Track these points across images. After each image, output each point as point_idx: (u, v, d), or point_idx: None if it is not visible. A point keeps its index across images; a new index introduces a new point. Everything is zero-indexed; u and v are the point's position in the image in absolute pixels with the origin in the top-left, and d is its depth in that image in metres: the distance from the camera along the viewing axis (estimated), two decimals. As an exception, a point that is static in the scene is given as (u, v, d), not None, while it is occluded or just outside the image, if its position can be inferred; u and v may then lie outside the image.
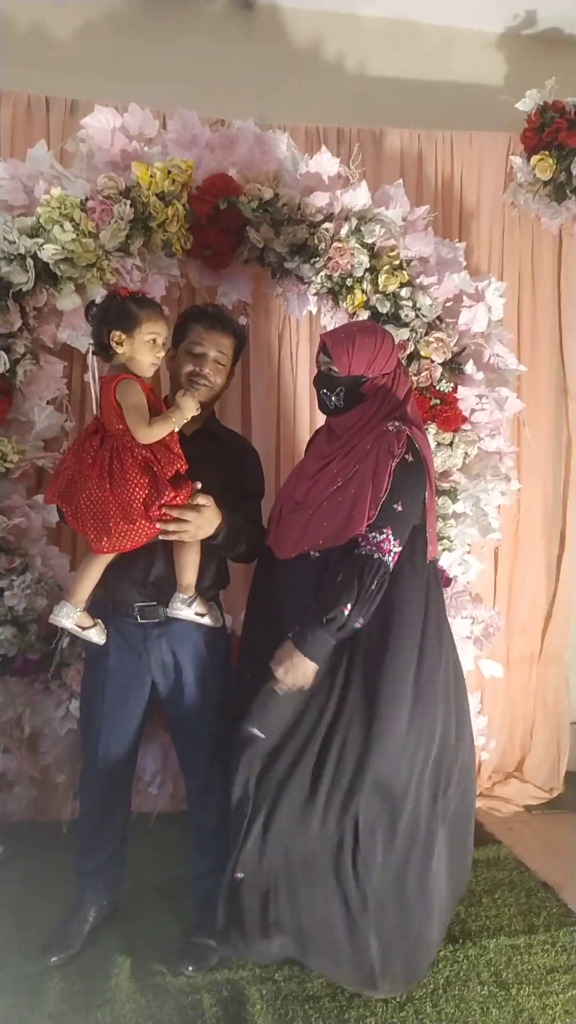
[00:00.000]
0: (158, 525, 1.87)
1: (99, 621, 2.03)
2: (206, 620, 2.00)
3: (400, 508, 1.89)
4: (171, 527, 1.88)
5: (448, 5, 2.94)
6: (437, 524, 2.59)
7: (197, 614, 1.98)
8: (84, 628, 2.00)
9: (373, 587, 1.85)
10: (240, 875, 1.89)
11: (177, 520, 1.88)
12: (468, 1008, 1.93)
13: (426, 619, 1.98)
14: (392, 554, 1.88)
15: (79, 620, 1.99)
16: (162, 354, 1.96)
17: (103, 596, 2.02)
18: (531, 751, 3.16)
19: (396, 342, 2.09)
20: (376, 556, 1.86)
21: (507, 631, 3.05)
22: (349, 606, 1.83)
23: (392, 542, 1.88)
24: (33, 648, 2.38)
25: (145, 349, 1.92)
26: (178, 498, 1.87)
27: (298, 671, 1.85)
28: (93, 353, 2.04)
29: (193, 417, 1.96)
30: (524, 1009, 1.93)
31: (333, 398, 2.02)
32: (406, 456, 1.92)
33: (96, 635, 2.02)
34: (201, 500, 1.92)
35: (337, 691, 1.91)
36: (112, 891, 2.18)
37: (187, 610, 1.97)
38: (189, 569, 1.97)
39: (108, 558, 1.98)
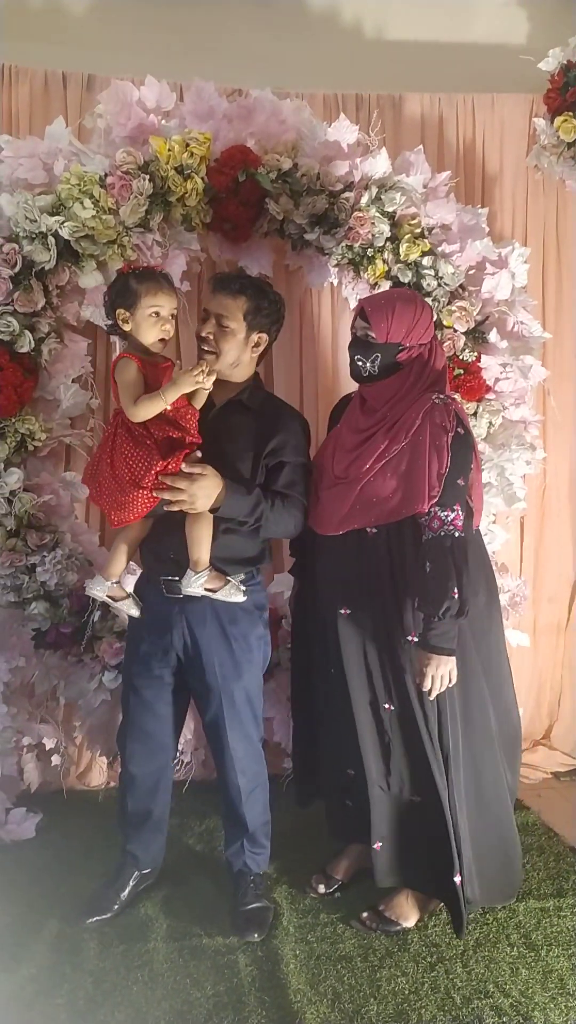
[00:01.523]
0: (155, 494, 1.88)
1: (132, 594, 2.07)
2: (220, 595, 1.96)
3: (462, 482, 1.94)
4: (166, 495, 1.88)
5: (467, -36, 2.87)
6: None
7: (207, 589, 1.95)
8: (116, 600, 2.05)
9: (466, 563, 1.91)
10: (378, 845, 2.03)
11: (171, 489, 1.88)
12: (498, 969, 1.96)
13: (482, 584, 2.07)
14: (463, 528, 1.93)
15: (111, 591, 2.04)
16: (168, 327, 1.93)
17: (144, 569, 2.08)
18: (559, 719, 3.17)
19: (432, 313, 2.08)
20: (456, 535, 1.92)
21: (534, 600, 3.04)
22: (456, 590, 1.88)
23: (462, 517, 1.93)
24: (65, 622, 2.43)
25: (148, 324, 1.91)
26: (170, 466, 1.88)
27: (441, 671, 1.90)
28: (110, 334, 2.04)
29: (223, 386, 1.96)
30: (553, 970, 1.95)
31: (368, 364, 2.02)
32: (458, 429, 1.94)
33: (129, 607, 2.06)
34: (196, 468, 1.89)
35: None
36: (152, 861, 2.21)
37: (195, 586, 1.94)
38: (197, 543, 1.95)
39: (132, 532, 2.02)
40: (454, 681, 1.93)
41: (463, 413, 2.02)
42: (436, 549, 1.91)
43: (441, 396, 1.99)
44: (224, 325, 2.01)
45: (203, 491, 1.89)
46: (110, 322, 1.98)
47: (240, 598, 1.98)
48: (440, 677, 1.91)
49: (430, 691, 1.92)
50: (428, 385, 2.02)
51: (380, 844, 2.05)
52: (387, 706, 2.02)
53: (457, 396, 2.53)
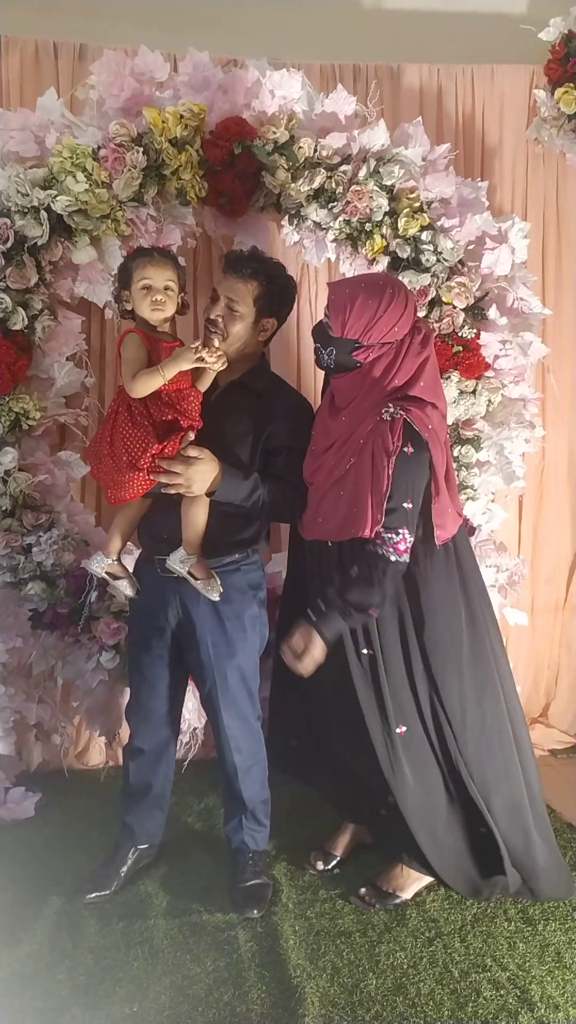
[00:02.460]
0: (151, 476, 1.89)
1: (130, 572, 2.07)
2: (199, 585, 1.96)
3: (410, 506, 1.84)
4: (162, 478, 1.89)
5: None
6: (462, 473, 2.57)
7: (191, 574, 1.95)
8: (115, 578, 2.05)
9: (387, 587, 1.85)
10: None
11: (168, 472, 1.88)
12: (496, 943, 1.98)
13: (458, 597, 1.98)
14: (408, 551, 1.85)
15: (109, 568, 2.05)
16: (157, 298, 1.91)
17: (141, 547, 2.08)
18: (556, 697, 3.18)
19: (408, 310, 1.90)
20: (393, 559, 1.83)
21: (532, 580, 3.04)
22: (373, 609, 1.85)
23: (408, 540, 1.85)
24: (62, 602, 2.42)
25: (139, 297, 1.93)
26: (166, 449, 1.88)
27: (314, 651, 1.85)
28: (123, 318, 2.05)
29: (228, 368, 1.95)
30: (550, 944, 1.97)
31: (325, 355, 1.94)
32: (404, 449, 1.82)
33: (125, 587, 2.06)
34: (192, 452, 1.89)
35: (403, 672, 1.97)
36: (150, 836, 2.23)
37: (179, 566, 1.95)
38: (190, 525, 1.96)
39: (131, 511, 2.02)
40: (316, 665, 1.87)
41: (420, 423, 1.84)
42: (367, 561, 1.83)
43: (391, 409, 1.84)
44: (234, 309, 2.00)
45: (199, 475, 1.89)
46: (121, 309, 2.00)
47: (215, 597, 1.98)
48: (312, 659, 1.85)
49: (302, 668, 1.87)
50: (387, 392, 1.88)
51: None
52: (400, 729, 1.99)
53: (455, 374, 2.50)
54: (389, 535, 1.82)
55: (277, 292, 2.05)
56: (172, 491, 1.91)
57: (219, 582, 1.99)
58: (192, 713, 2.48)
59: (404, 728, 1.98)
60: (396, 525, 1.82)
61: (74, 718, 2.55)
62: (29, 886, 2.15)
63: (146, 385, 1.87)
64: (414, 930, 2.02)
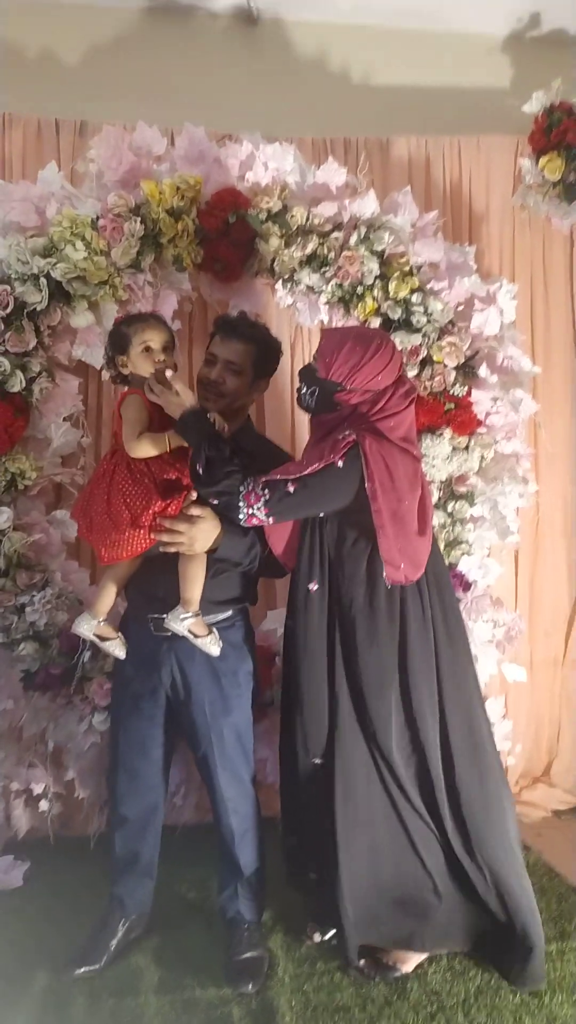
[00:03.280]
0: (152, 535, 1.89)
1: (120, 634, 2.05)
2: (200, 643, 1.96)
3: (291, 490, 1.87)
4: (164, 537, 1.89)
5: (451, 12, 2.94)
6: (456, 529, 2.58)
7: (191, 632, 1.95)
8: (104, 640, 2.03)
9: (217, 488, 1.87)
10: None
11: (170, 531, 1.89)
12: (500, 1017, 1.90)
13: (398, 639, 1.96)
14: (249, 515, 1.87)
15: (98, 630, 2.02)
16: (160, 359, 1.97)
17: (128, 607, 2.05)
18: (558, 755, 3.13)
19: (392, 362, 1.94)
20: (240, 503, 1.86)
21: (530, 635, 3.02)
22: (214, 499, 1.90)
23: (260, 506, 1.86)
24: (55, 663, 2.40)
25: (141, 359, 1.96)
26: (170, 508, 1.89)
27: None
28: (116, 383, 2.09)
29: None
30: (557, 1017, 1.90)
31: (307, 395, 1.98)
32: (336, 461, 1.86)
33: (116, 648, 2.04)
34: (196, 511, 1.91)
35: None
36: (139, 906, 2.17)
37: (181, 625, 1.94)
38: (189, 582, 1.95)
39: (122, 570, 2.01)
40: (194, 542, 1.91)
41: (369, 449, 1.86)
42: (230, 492, 1.86)
43: (346, 431, 1.89)
44: (234, 371, 2.07)
45: (202, 533, 1.91)
46: (114, 373, 2.03)
47: (215, 652, 1.98)
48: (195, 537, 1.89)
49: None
50: (356, 422, 1.93)
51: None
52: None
53: (448, 431, 2.53)
54: (254, 484, 1.86)
55: (271, 355, 2.14)
56: (172, 549, 1.91)
57: (218, 636, 1.99)
58: (185, 776, 2.44)
59: (318, 761, 1.98)
60: (264, 486, 1.86)
61: (63, 783, 2.50)
62: (16, 960, 2.08)
63: (149, 448, 1.90)
64: (415, 1004, 1.95)
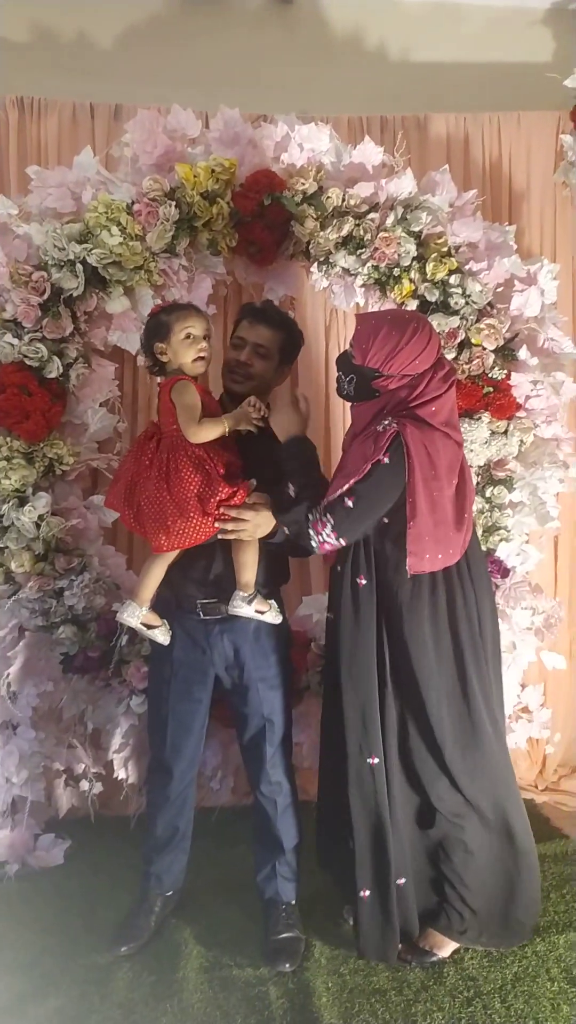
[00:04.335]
0: (216, 524, 1.90)
1: (164, 621, 2.07)
2: (267, 617, 2.02)
3: (350, 504, 1.85)
4: (230, 526, 1.91)
5: (491, -16, 2.88)
6: (494, 514, 2.55)
7: (257, 611, 2.00)
8: (149, 627, 2.04)
9: (287, 518, 1.91)
10: (402, 880, 1.98)
11: (236, 520, 1.90)
12: (538, 1004, 1.89)
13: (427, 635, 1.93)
14: (321, 541, 1.88)
15: (145, 619, 2.03)
16: (203, 346, 1.99)
17: (167, 593, 2.06)
18: (598, 745, 3.09)
19: (431, 345, 1.90)
20: (309, 532, 1.87)
21: (570, 621, 2.98)
22: (286, 528, 1.93)
23: (328, 531, 1.86)
24: (93, 646, 2.43)
25: (184, 347, 1.97)
26: (236, 497, 1.89)
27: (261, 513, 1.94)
28: (152, 373, 2.10)
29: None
30: (596, 1007, 1.88)
31: (345, 383, 1.96)
32: (381, 458, 1.83)
33: (161, 635, 2.06)
34: (256, 499, 1.93)
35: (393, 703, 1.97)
36: (175, 882, 2.21)
37: (247, 607, 1.98)
38: (248, 567, 1.99)
39: (170, 557, 2.02)
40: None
41: (411, 438, 1.84)
42: (300, 526, 1.88)
43: (385, 422, 1.86)
44: (263, 356, 2.12)
45: (266, 521, 1.94)
46: (151, 363, 2.04)
47: (279, 619, 2.05)
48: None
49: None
50: (395, 410, 1.90)
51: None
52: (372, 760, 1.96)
53: (486, 415, 2.49)
54: (316, 513, 1.87)
55: (296, 342, 2.21)
56: (232, 537, 1.94)
57: (276, 607, 2.05)
58: (221, 759, 2.46)
59: (376, 759, 1.95)
60: (326, 511, 1.87)
61: (103, 763, 2.54)
62: (61, 936, 2.13)
63: (210, 433, 1.91)
64: (452, 989, 1.95)
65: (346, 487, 1.85)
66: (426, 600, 1.92)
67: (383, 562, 1.93)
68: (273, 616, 2.03)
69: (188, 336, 1.97)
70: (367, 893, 1.96)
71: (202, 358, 2.00)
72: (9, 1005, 1.89)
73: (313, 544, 1.89)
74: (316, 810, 2.17)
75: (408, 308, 2.50)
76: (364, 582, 1.95)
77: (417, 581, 1.91)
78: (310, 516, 1.88)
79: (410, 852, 2.01)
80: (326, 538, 1.88)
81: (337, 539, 1.88)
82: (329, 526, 1.86)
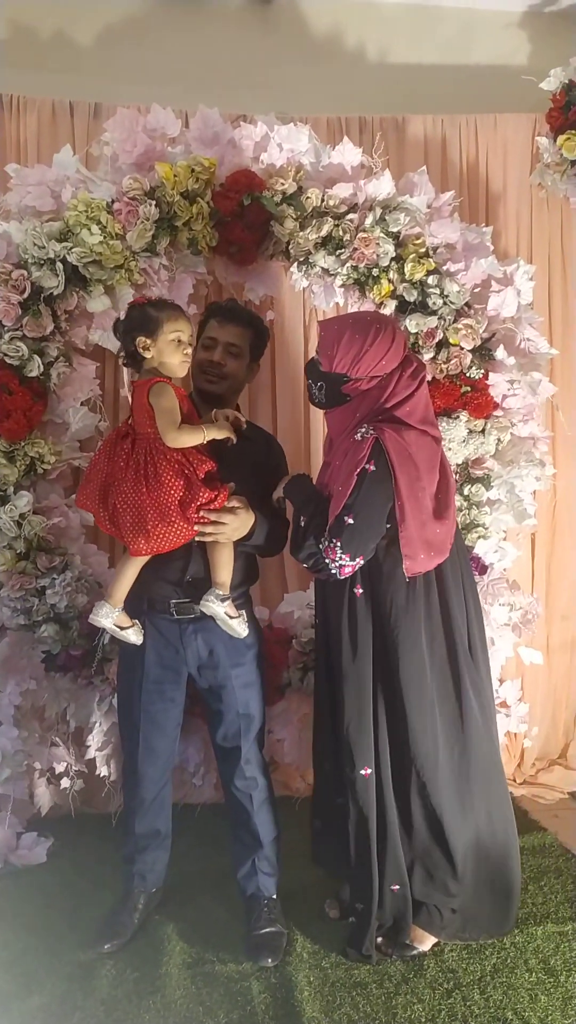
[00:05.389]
0: (196, 528, 1.90)
1: (136, 622, 2.05)
2: (234, 623, 2.00)
3: (351, 521, 1.84)
4: (208, 529, 1.91)
5: (468, -13, 2.91)
6: (472, 512, 2.58)
7: (227, 614, 1.99)
8: (122, 628, 2.03)
9: (303, 552, 1.92)
10: (396, 887, 2.01)
11: (214, 523, 1.91)
12: (516, 995, 1.92)
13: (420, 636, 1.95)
14: (340, 566, 1.86)
15: (117, 620, 2.02)
16: (188, 351, 1.98)
17: (139, 593, 2.05)
18: (575, 738, 3.13)
19: (395, 344, 1.90)
20: (327, 561, 1.86)
21: (547, 618, 3.02)
22: (305, 564, 1.94)
23: (339, 554, 1.85)
24: (75, 644, 2.43)
25: (171, 349, 1.95)
26: (216, 501, 1.90)
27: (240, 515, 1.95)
28: (124, 364, 2.06)
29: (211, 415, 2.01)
30: (573, 996, 1.91)
31: (316, 391, 1.97)
32: (366, 466, 1.83)
33: (134, 635, 2.04)
34: (235, 502, 1.94)
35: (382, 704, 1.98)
36: (157, 879, 2.22)
37: (219, 606, 1.97)
38: (223, 568, 1.99)
39: (145, 559, 2.01)
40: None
41: (391, 443, 1.84)
42: (316, 563, 1.89)
43: (363, 430, 1.86)
44: (235, 354, 2.13)
45: (243, 523, 1.95)
46: (124, 353, 2.00)
47: (243, 633, 2.04)
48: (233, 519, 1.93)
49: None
50: (367, 418, 1.90)
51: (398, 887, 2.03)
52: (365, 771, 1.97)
53: (464, 414, 2.52)
54: (324, 541, 1.86)
55: (263, 338, 2.23)
56: (209, 539, 1.94)
57: (245, 617, 2.05)
58: (203, 756, 2.47)
59: (369, 770, 1.96)
60: (332, 535, 1.86)
61: (84, 762, 2.54)
62: (44, 934, 2.13)
63: (189, 439, 1.89)
64: (432, 981, 1.97)
65: (342, 506, 1.85)
66: (421, 602, 1.94)
67: (377, 573, 1.93)
68: (239, 625, 2.01)
69: (177, 340, 1.94)
70: (360, 907, 2.01)
71: (186, 363, 1.98)
72: (-8, 1003, 1.89)
73: (333, 571, 1.87)
74: (311, 807, 2.19)
75: (387, 308, 2.52)
76: (361, 591, 1.95)
77: (412, 584, 1.92)
78: (320, 545, 1.87)
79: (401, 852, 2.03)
80: (341, 562, 1.86)
81: (352, 559, 1.86)
82: (339, 549, 1.85)
